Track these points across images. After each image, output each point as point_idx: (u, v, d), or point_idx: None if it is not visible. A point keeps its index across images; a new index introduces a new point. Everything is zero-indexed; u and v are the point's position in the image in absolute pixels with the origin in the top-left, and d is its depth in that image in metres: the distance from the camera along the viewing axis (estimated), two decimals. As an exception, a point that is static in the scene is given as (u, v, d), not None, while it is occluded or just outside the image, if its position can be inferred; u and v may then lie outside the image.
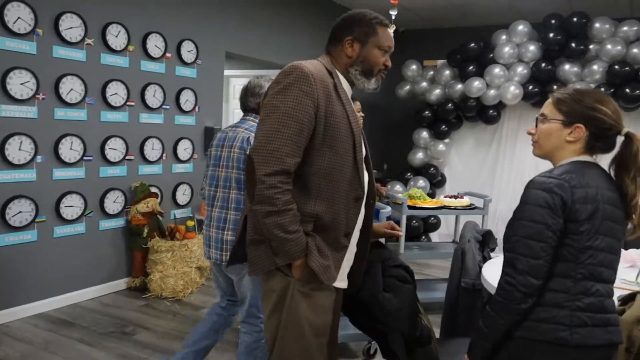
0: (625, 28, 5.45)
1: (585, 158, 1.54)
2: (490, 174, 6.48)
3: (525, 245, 1.41)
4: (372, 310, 1.84)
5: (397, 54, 7.40)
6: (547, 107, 1.59)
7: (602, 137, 1.52)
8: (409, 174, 6.57)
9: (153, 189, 4.37)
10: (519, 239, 1.43)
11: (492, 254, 2.76)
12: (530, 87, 5.77)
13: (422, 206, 3.93)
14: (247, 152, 2.26)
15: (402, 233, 2.09)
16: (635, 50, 5.36)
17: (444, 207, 4.00)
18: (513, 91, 5.74)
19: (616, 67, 5.35)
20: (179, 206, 4.71)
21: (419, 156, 6.45)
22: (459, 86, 6.09)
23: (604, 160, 1.59)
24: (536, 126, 1.62)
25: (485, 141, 6.51)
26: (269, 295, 1.72)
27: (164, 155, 4.54)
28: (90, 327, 3.47)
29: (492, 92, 5.89)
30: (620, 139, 1.53)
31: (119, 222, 4.22)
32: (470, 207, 4.00)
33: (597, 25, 5.49)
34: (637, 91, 5.26)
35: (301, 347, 1.66)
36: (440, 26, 7.00)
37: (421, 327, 1.91)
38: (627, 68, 5.32)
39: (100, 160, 4.05)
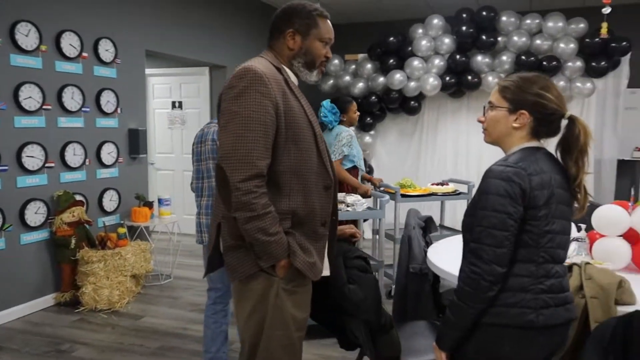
0: (528, 21, 5.88)
1: (534, 144, 1.59)
2: (415, 162, 6.75)
3: (489, 235, 1.44)
4: (338, 303, 1.87)
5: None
6: (494, 95, 1.63)
7: (546, 122, 1.57)
8: (337, 167, 6.68)
9: (78, 197, 4.12)
10: (483, 229, 1.46)
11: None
12: (447, 78, 6.07)
13: (414, 194, 4.20)
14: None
15: (361, 235, 2.15)
16: (538, 41, 5.80)
17: (432, 194, 4.29)
18: (432, 82, 6.01)
19: (523, 57, 5.77)
20: (106, 213, 4.47)
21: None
22: (381, 79, 6.27)
23: (552, 144, 1.65)
24: (484, 114, 1.67)
25: (408, 131, 6.76)
26: (248, 297, 1.70)
27: (87, 160, 4.29)
28: (21, 349, 3.22)
29: (412, 84, 6.13)
30: (564, 123, 1.58)
31: (43, 235, 3.93)
32: (455, 193, 4.30)
33: (503, 18, 5.88)
34: (542, 79, 5.70)
35: (287, 343, 1.68)
36: (360, 21, 7.16)
37: (385, 315, 1.97)
38: (532, 58, 5.75)
39: (17, 170, 3.74)
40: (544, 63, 5.70)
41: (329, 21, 1.81)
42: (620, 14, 5.05)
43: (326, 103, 4.15)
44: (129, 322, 3.67)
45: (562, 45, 5.67)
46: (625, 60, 5.87)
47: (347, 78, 6.55)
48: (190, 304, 4.07)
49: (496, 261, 1.44)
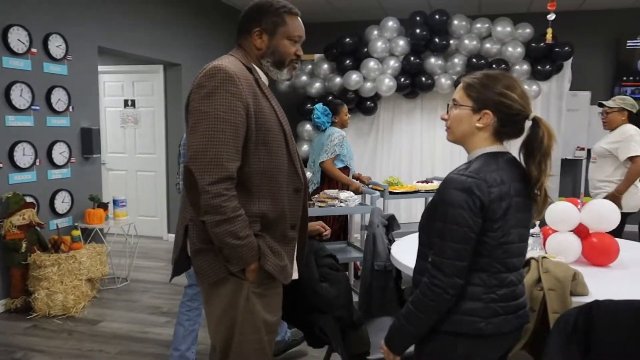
0: (478, 25, 6.10)
1: (496, 148, 1.53)
2: (372, 161, 6.86)
3: (451, 248, 1.41)
4: (311, 301, 1.89)
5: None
6: (458, 93, 1.57)
7: (510, 122, 1.51)
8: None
9: (28, 199, 3.95)
10: (445, 243, 1.42)
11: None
12: (402, 79, 6.21)
13: (400, 191, 4.36)
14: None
15: (329, 233, 2.16)
16: (487, 45, 6.03)
17: (417, 191, 4.46)
18: (388, 83, 6.13)
19: (474, 60, 5.98)
20: (58, 215, 4.31)
21: (304, 148, 6.61)
22: (338, 79, 6.34)
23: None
24: (447, 112, 1.61)
25: (365, 131, 6.87)
26: (217, 300, 1.68)
27: (37, 160, 4.12)
28: (-30, 359, 3.08)
29: (368, 84, 6.23)
30: (528, 124, 1.52)
31: (-10, 239, 3.76)
32: None
33: (455, 22, 6.08)
34: (492, 81, 5.93)
35: (259, 346, 1.67)
36: (316, 21, 7.21)
37: (355, 311, 2.02)
38: (482, 61, 5.97)
39: (-38, 171, 3.56)
40: (494, 66, 5.93)
41: (299, 18, 1.77)
42: (562, 20, 5.32)
43: (319, 106, 4.45)
44: (86, 328, 3.56)
45: (510, 49, 5.92)
46: (568, 64, 6.20)
47: (304, 78, 6.59)
48: (149, 307, 3.99)
49: (457, 274, 1.42)
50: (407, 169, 6.59)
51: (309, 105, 6.59)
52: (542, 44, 5.85)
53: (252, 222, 1.62)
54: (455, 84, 5.84)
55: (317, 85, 6.50)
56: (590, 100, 6.61)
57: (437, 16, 6.05)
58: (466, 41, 6.01)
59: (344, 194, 3.73)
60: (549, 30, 5.10)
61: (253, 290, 1.65)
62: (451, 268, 1.41)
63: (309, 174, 4.35)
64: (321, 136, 4.41)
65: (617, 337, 1.36)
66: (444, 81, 6.12)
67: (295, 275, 1.79)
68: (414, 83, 6.23)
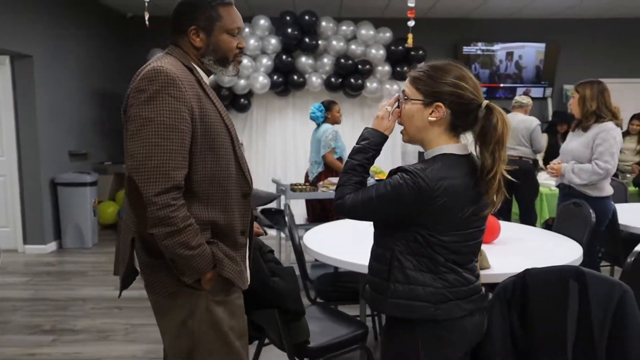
0: (344, 27, 6.48)
1: (457, 149, 1.51)
2: (247, 158, 6.87)
3: (374, 199, 1.48)
4: (264, 297, 1.92)
5: (139, 42, 7.11)
6: (407, 87, 1.53)
7: (464, 113, 1.48)
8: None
9: None
10: (371, 196, 1.49)
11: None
12: (275, 77, 6.34)
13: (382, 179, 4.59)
14: None
15: (262, 232, 2.17)
16: (353, 46, 6.44)
17: None
18: (262, 81, 6.21)
19: (342, 60, 6.34)
20: None
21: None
22: (212, 76, 6.22)
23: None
24: (399, 106, 1.57)
25: (239, 128, 6.85)
26: (173, 314, 1.60)
27: None
28: None
29: (242, 82, 6.24)
30: (482, 114, 1.48)
31: None
32: None
33: (323, 23, 6.38)
34: (360, 81, 6.36)
35: (230, 353, 1.63)
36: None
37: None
38: (350, 62, 6.36)
39: None
40: (359, 67, 6.36)
41: (234, 7, 1.68)
42: (417, 26, 5.89)
43: (315, 104, 5.08)
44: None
45: (373, 51, 6.40)
46: (421, 67, 6.89)
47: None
48: (27, 326, 3.57)
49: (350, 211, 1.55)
50: (282, 164, 6.76)
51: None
52: (400, 47, 6.42)
53: (203, 230, 1.55)
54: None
55: (188, 81, 6.32)
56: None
57: (306, 17, 6.29)
58: (334, 42, 6.35)
59: None
60: (410, 36, 5.65)
61: (212, 300, 1.59)
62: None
63: (308, 166, 5.17)
64: (316, 132, 4.99)
65: (547, 299, 1.65)
66: (315, 80, 6.39)
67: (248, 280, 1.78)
68: (286, 81, 6.40)
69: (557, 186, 3.61)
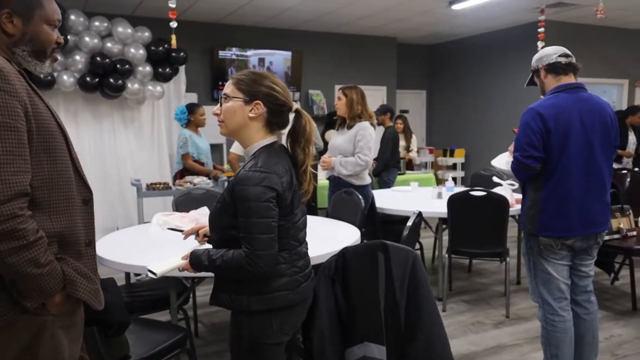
0: (97, 23, 6.01)
1: (270, 140, 1.74)
2: None
3: (261, 240, 1.59)
4: (89, 313, 1.75)
5: None
6: (229, 87, 1.73)
7: (278, 113, 1.72)
8: None
9: None
10: (254, 236, 1.58)
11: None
12: (16, 74, 5.51)
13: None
14: None
15: None
16: (109, 44, 6.03)
17: None
18: None
19: (98, 58, 5.88)
20: None
21: None
22: None
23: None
24: (221, 106, 1.74)
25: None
26: (9, 346, 1.35)
27: None
28: None
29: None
30: (292, 117, 1.76)
31: None
32: None
33: (72, 17, 5.81)
34: (120, 81, 5.99)
35: None
36: None
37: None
38: (107, 60, 5.94)
39: None
40: (118, 66, 5.99)
41: (53, 1, 1.53)
42: (180, 29, 5.83)
43: (180, 106, 5.23)
44: None
45: (132, 50, 6.10)
46: (183, 69, 6.86)
47: None
48: None
49: (273, 260, 1.63)
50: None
51: None
52: (160, 48, 6.27)
53: (49, 245, 1.38)
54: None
55: None
56: (197, 99, 7.45)
57: (52, 8, 5.62)
58: (87, 38, 5.84)
59: (198, 179, 4.83)
60: (173, 37, 5.61)
61: (60, 325, 1.41)
62: (267, 259, 1.60)
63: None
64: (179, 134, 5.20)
65: (362, 270, 1.94)
66: (66, 78, 5.78)
67: None
68: (31, 78, 5.60)
69: (328, 178, 4.11)
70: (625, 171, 4.99)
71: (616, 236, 3.88)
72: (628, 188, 4.77)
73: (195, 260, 1.73)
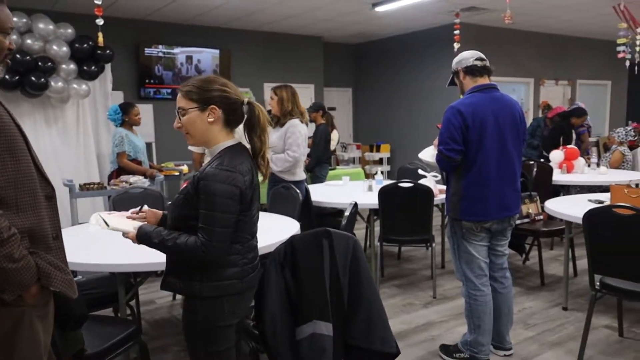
0: (15, 19, 5.74)
1: (233, 141, 1.84)
2: None
3: (219, 233, 1.70)
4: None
5: None
6: (182, 101, 1.80)
7: (233, 110, 1.80)
8: None
9: None
10: (214, 229, 1.69)
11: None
12: None
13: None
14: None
15: None
16: (29, 41, 5.79)
17: None
18: None
19: (18, 56, 5.63)
20: None
21: None
22: None
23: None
24: (180, 119, 1.81)
25: None
26: None
27: None
28: None
29: None
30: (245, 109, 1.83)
31: None
32: None
33: (-12, 12, 5.52)
34: (42, 80, 5.77)
35: None
36: None
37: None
38: (27, 57, 5.70)
39: None
40: (40, 63, 5.77)
41: (5, 5, 1.55)
42: (105, 25, 5.72)
43: (113, 105, 5.11)
44: None
45: (54, 47, 5.89)
46: (109, 66, 6.70)
47: None
48: None
49: (225, 251, 1.76)
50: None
51: None
52: (85, 45, 6.11)
53: (21, 240, 1.44)
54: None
55: None
56: (123, 98, 7.29)
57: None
58: (4, 34, 5.57)
59: (134, 178, 4.79)
60: (100, 34, 5.50)
61: (37, 315, 1.49)
62: (220, 248, 1.73)
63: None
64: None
65: (309, 256, 2.11)
66: (-17, 76, 5.49)
67: None
68: (-57, 77, 5.30)
69: (265, 174, 4.25)
70: (532, 162, 5.50)
71: (526, 220, 4.33)
72: (535, 177, 5.28)
73: (143, 235, 1.81)
